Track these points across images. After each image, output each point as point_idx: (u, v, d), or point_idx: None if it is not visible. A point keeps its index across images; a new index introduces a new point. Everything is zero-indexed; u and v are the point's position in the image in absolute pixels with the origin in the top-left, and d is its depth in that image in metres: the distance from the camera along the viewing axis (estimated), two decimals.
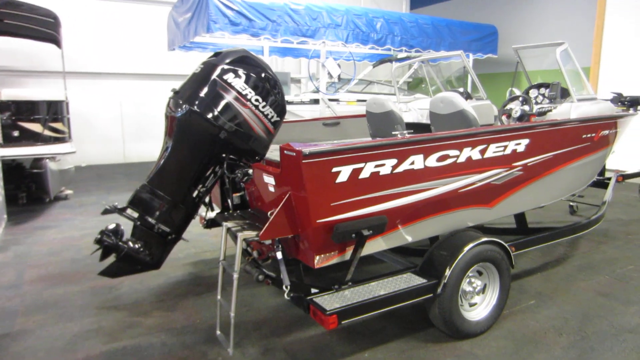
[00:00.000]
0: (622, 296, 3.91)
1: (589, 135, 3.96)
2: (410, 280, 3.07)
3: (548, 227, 4.52)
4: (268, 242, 2.86)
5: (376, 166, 2.73)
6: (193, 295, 3.97)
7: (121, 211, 3.29)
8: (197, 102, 3.13)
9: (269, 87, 3.38)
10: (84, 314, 3.61)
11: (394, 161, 2.80)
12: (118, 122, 11.81)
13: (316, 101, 9.81)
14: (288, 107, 9.15)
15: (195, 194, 3.44)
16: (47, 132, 7.24)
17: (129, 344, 3.17)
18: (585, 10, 10.51)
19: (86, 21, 11.07)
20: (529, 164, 3.56)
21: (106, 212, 3.30)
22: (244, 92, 3.25)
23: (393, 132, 3.04)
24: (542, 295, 3.93)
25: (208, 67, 3.26)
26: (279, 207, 2.70)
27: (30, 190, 7.24)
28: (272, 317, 3.59)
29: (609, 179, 5.35)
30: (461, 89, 5.35)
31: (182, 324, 3.46)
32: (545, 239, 3.99)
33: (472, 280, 3.27)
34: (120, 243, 3.20)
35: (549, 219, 6.04)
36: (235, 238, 4.28)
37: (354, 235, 2.72)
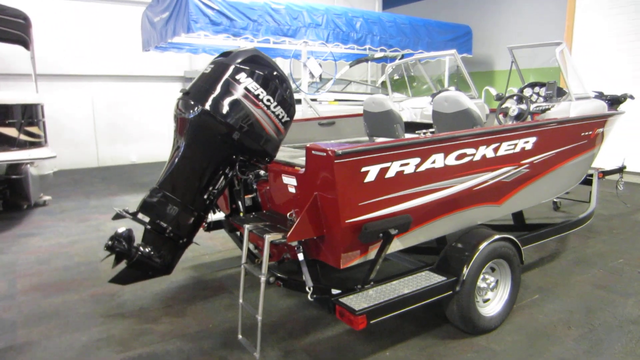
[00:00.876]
0: (619, 288, 4.07)
1: (586, 133, 4.11)
2: (430, 278, 3.10)
3: (544, 223, 4.66)
4: (293, 243, 2.82)
5: (401, 165, 2.75)
6: (200, 299, 3.89)
7: (133, 216, 3.17)
8: (209, 103, 3.06)
9: (279, 86, 3.34)
10: (90, 323, 3.47)
11: (417, 160, 2.82)
12: (90, 125, 11.41)
13: (297, 101, 9.77)
14: None
15: (206, 196, 3.37)
16: (23, 137, 6.90)
17: (145, 352, 3.07)
18: (556, 11, 10.90)
19: (56, 21, 10.65)
20: (535, 162, 3.66)
21: (117, 217, 3.18)
22: (256, 92, 3.20)
23: (417, 132, 3.07)
24: (544, 289, 4.05)
25: (219, 67, 3.19)
26: (305, 208, 2.68)
27: (5, 197, 6.89)
28: (286, 320, 3.55)
29: (592, 175, 5.57)
30: (453, 88, 5.43)
31: (196, 329, 3.38)
32: (549, 234, 4.11)
33: (486, 276, 3.33)
34: (132, 249, 3.09)
35: (534, 216, 6.23)
36: (240, 240, 4.23)
37: (381, 234, 2.73)
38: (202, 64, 11.86)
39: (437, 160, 2.93)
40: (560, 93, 4.46)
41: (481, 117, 3.86)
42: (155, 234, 3.19)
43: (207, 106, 3.04)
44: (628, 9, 9.50)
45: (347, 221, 2.62)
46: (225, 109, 3.08)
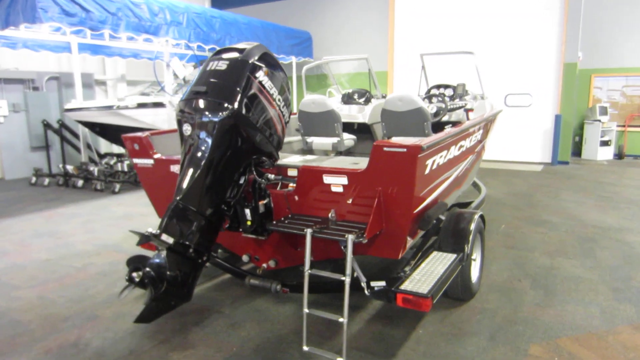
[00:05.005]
0: (521, 246, 5.16)
1: (490, 126, 5.07)
2: (444, 257, 3.47)
3: (465, 202, 5.52)
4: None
5: (440, 156, 3.05)
6: (192, 325, 3.48)
7: (157, 238, 2.71)
8: (238, 103, 2.85)
9: (285, 86, 3.29)
10: None
11: (445, 151, 3.16)
12: None
13: (159, 104, 9.03)
14: (123, 112, 8.22)
15: (225, 207, 3.09)
16: None
17: None
18: (381, 23, 12.51)
19: None
20: (478, 150, 4.39)
21: (144, 241, 2.67)
22: (271, 92, 3.12)
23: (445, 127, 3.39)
24: None
25: (237, 63, 2.98)
26: (375, 204, 2.75)
27: None
28: (311, 324, 3.46)
29: None
30: (363, 90, 5.93)
31: (225, 357, 3.05)
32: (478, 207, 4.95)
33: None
34: (166, 278, 2.66)
35: None
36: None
37: (435, 220, 2.98)
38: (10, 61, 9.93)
39: (452, 151, 3.33)
40: (465, 93, 5.35)
41: (429, 115, 4.41)
42: (176, 256, 2.80)
43: (237, 105, 2.82)
44: (436, 18, 11.58)
45: (414, 211, 2.80)
46: (251, 109, 2.91)
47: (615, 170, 10.18)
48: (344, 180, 2.90)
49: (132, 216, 6.73)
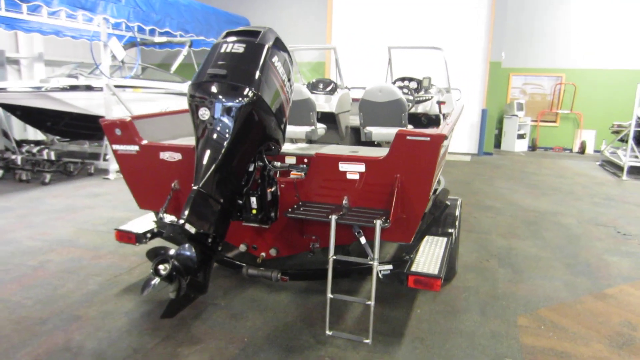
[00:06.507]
0: (477, 229, 5.58)
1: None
2: (437, 240, 3.66)
3: None
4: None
5: (446, 144, 3.21)
6: (192, 319, 3.35)
7: (181, 228, 2.58)
8: (260, 87, 2.79)
9: (291, 71, 3.27)
10: None
11: (448, 139, 3.34)
12: None
13: (94, 87, 8.36)
14: (53, 95, 7.57)
15: (238, 195, 3.01)
16: None
17: None
18: (320, 13, 12.58)
19: None
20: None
21: (170, 231, 2.53)
22: (283, 77, 3.10)
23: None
24: None
25: (255, 47, 2.91)
26: (396, 190, 2.84)
27: None
28: (311, 310, 3.51)
29: None
30: (328, 80, 5.99)
31: (240, 348, 2.99)
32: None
33: None
34: (192, 269, 2.55)
35: None
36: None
37: (439, 202, 3.14)
38: None
39: (450, 139, 3.51)
40: (429, 86, 5.62)
41: (407, 105, 4.59)
42: (197, 246, 2.70)
43: (259, 90, 2.76)
44: (373, 11, 11.92)
45: (430, 196, 2.94)
46: (269, 93, 2.87)
47: (532, 161, 11.26)
48: (361, 167, 2.96)
49: (77, 209, 6.21)
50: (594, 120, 12.80)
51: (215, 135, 2.76)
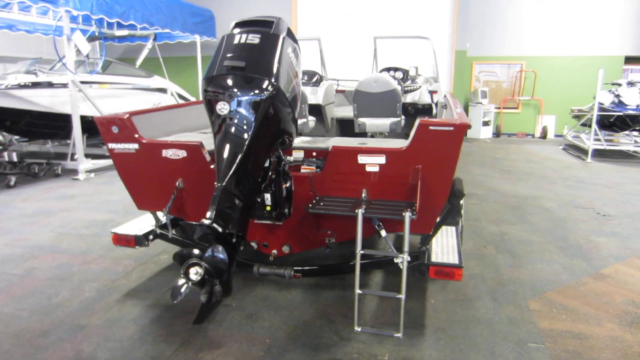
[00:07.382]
0: (468, 216, 5.68)
1: None
2: (446, 230, 3.68)
3: None
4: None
5: None
6: (205, 322, 3.21)
7: (210, 230, 2.45)
8: (279, 79, 2.69)
9: (300, 62, 3.18)
10: None
11: None
12: None
13: (51, 84, 7.89)
14: (14, 93, 7.13)
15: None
16: None
17: None
18: (286, 5, 12.39)
19: None
20: None
21: (199, 233, 2.39)
22: (296, 69, 3.01)
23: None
24: None
25: (270, 38, 2.79)
26: (419, 183, 2.82)
27: None
28: (326, 306, 3.45)
29: None
30: (312, 71, 5.89)
31: (264, 350, 2.90)
32: None
33: None
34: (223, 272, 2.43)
35: None
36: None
37: (464, 193, 3.15)
38: None
39: None
40: (416, 75, 5.64)
41: (401, 95, 4.58)
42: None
43: (278, 82, 2.66)
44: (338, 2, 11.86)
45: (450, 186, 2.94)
46: (286, 85, 2.77)
47: (500, 147, 11.61)
48: (381, 159, 2.91)
49: (51, 212, 5.84)
50: (554, 106, 13.33)
51: (235, 130, 2.63)
